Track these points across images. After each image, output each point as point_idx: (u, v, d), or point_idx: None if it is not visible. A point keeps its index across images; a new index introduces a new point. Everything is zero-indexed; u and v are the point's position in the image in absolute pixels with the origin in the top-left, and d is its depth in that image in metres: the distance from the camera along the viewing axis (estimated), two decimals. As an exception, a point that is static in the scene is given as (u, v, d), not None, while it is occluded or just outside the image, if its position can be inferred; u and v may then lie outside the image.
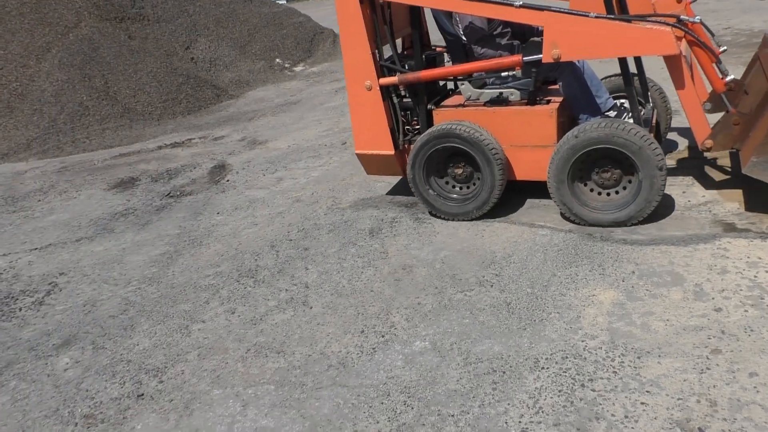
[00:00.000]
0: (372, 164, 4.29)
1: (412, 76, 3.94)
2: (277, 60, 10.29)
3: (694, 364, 2.40)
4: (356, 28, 3.86)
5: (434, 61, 4.29)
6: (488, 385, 2.46)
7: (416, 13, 4.02)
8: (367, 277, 3.45)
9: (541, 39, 3.48)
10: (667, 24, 3.30)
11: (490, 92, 3.92)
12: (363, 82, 3.97)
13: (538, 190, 4.02)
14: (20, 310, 3.64)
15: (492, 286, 3.16)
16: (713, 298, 2.78)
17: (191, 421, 2.51)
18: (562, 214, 3.75)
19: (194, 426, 2.48)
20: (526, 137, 3.79)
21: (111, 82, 8.06)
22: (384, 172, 4.37)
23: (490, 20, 3.94)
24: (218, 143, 6.66)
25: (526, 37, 4.23)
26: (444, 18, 4.02)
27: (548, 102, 3.83)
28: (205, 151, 6.45)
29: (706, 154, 4.32)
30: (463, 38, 4.04)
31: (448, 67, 3.99)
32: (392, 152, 4.09)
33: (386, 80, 3.98)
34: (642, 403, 2.25)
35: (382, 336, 2.89)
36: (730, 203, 3.63)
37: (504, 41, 4.05)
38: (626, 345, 2.57)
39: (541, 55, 3.49)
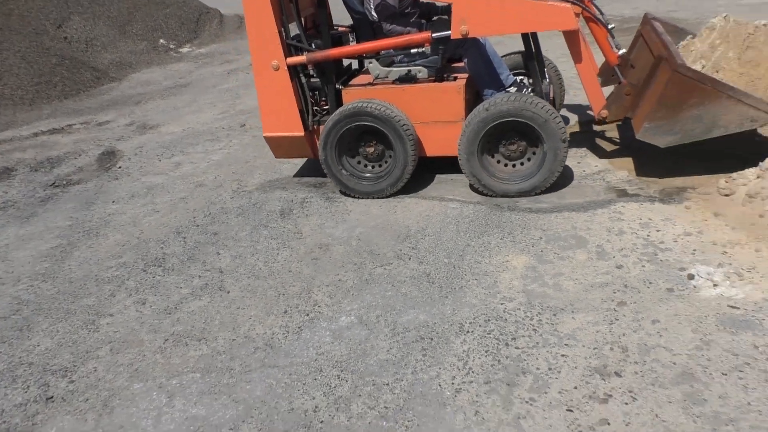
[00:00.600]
0: (281, 147, 4.19)
1: (320, 54, 3.88)
2: (161, 41, 9.75)
3: (603, 317, 2.59)
4: (262, 5, 3.73)
5: (339, 40, 4.25)
6: (418, 353, 2.52)
7: None
8: (283, 258, 3.39)
9: (448, 17, 3.56)
10: (567, 1, 3.50)
11: (398, 70, 3.95)
12: (270, 61, 3.85)
13: (444, 166, 4.13)
14: None
15: (410, 258, 3.23)
16: (614, 257, 3.01)
17: (112, 419, 2.36)
18: (471, 186, 3.88)
19: (117, 423, 2.33)
20: (435, 114, 3.86)
21: (-30, 65, 7.26)
22: (293, 155, 4.29)
23: None
24: (103, 129, 6.22)
25: (431, 17, 4.30)
26: None
27: (455, 79, 3.92)
28: (90, 137, 6.00)
29: (596, 127, 4.64)
30: (374, 15, 4.03)
31: (359, 45, 3.97)
32: (302, 134, 4.01)
33: (294, 59, 3.89)
34: (562, 356, 2.40)
35: (307, 315, 2.86)
36: (621, 171, 3.93)
37: (413, 20, 4.10)
38: (542, 304, 2.72)
39: (449, 32, 3.57)
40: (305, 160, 4.72)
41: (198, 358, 2.65)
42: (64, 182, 4.88)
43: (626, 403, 2.13)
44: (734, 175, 3.40)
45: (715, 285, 2.70)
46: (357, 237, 3.51)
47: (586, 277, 2.88)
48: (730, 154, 3.82)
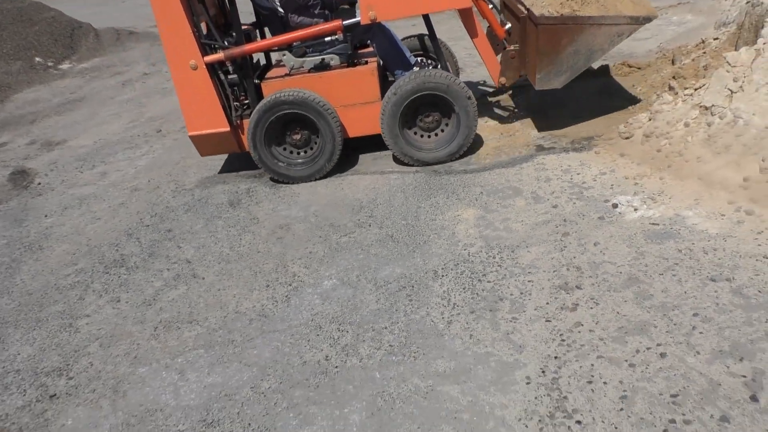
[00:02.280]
0: (207, 144, 4.25)
1: (237, 50, 4.00)
2: (37, 59, 9.19)
3: (553, 246, 3.00)
4: (173, 7, 3.76)
5: (249, 36, 4.38)
6: (404, 299, 2.78)
7: None
8: (247, 242, 3.52)
9: (352, 6, 3.84)
10: None
11: (312, 59, 4.15)
12: (187, 62, 3.91)
13: (373, 145, 4.40)
14: None
15: (370, 225, 3.48)
16: (548, 200, 3.44)
17: (128, 400, 2.42)
18: (405, 164, 4.19)
19: (135, 403, 2.40)
20: (353, 96, 4.11)
21: None
22: (220, 151, 4.37)
23: None
24: (2, 151, 5.87)
25: (333, 8, 4.54)
26: None
27: (366, 63, 4.20)
28: (-11, 161, 5.65)
29: (491, 99, 5.11)
30: (280, 10, 4.21)
31: (274, 38, 4.13)
32: (228, 129, 4.11)
33: (212, 57, 3.97)
34: (529, 281, 2.77)
35: (289, 285, 3.03)
36: (530, 129, 4.41)
37: (317, 11, 4.33)
38: (499, 245, 3.09)
39: (359, 18, 3.85)
40: (234, 154, 4.80)
41: (195, 337, 2.75)
42: (-22, 205, 4.62)
43: (591, 308, 2.53)
44: (630, 120, 3.96)
45: (635, 209, 3.20)
46: (313, 214, 3.70)
47: (529, 218, 3.28)
48: (619, 105, 4.44)
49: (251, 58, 4.38)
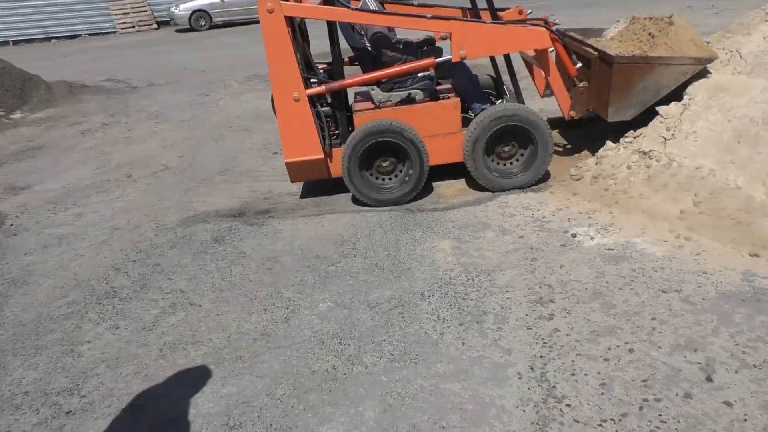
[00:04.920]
0: (300, 171, 4.53)
1: (337, 84, 4.37)
2: (-12, 108, 9.13)
3: (525, 269, 3.37)
4: (283, 44, 4.11)
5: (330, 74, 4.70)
6: (397, 316, 3.06)
7: (332, 28, 4.40)
8: (238, 273, 3.71)
9: (430, 48, 4.43)
10: (539, 25, 4.40)
11: (398, 94, 4.53)
12: (291, 94, 4.23)
13: (339, 185, 4.70)
14: None
15: (355, 256, 3.75)
16: (514, 231, 3.84)
17: (148, 412, 2.55)
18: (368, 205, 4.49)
19: (155, 414, 2.53)
20: (438, 128, 4.47)
21: None
22: (310, 177, 4.67)
23: (390, 29, 4.58)
24: (-38, 195, 5.81)
25: (413, 50, 4.92)
26: (351, 33, 4.57)
27: (449, 97, 4.59)
28: (-51, 206, 5.58)
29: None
30: (369, 47, 4.58)
31: (371, 73, 4.44)
32: (322, 156, 4.40)
33: (314, 90, 4.32)
34: (507, 298, 3.11)
35: (286, 308, 3.25)
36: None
37: (401, 47, 4.74)
38: (477, 269, 3.43)
39: (450, 57, 4.29)
40: (216, 195, 4.99)
41: (203, 356, 2.91)
42: (-52, 247, 4.59)
43: (565, 317, 2.89)
44: (579, 164, 4.48)
45: (591, 238, 3.64)
46: (299, 248, 3.95)
47: (500, 247, 3.66)
48: (566, 152, 4.97)
49: (345, 92, 4.71)
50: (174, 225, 4.54)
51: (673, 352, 2.54)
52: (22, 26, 20.50)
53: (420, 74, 4.54)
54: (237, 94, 9.22)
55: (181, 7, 19.48)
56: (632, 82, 4.32)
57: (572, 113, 4.73)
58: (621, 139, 4.48)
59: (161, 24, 21.54)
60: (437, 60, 4.43)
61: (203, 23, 19.50)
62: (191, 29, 19.43)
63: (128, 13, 21.46)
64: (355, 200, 4.54)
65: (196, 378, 2.74)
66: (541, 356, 2.62)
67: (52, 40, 20.71)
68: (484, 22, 4.37)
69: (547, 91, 4.84)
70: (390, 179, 4.54)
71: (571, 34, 5.06)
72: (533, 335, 2.77)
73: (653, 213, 3.77)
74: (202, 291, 3.53)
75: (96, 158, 6.56)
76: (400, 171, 4.52)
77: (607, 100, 4.41)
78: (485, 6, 4.82)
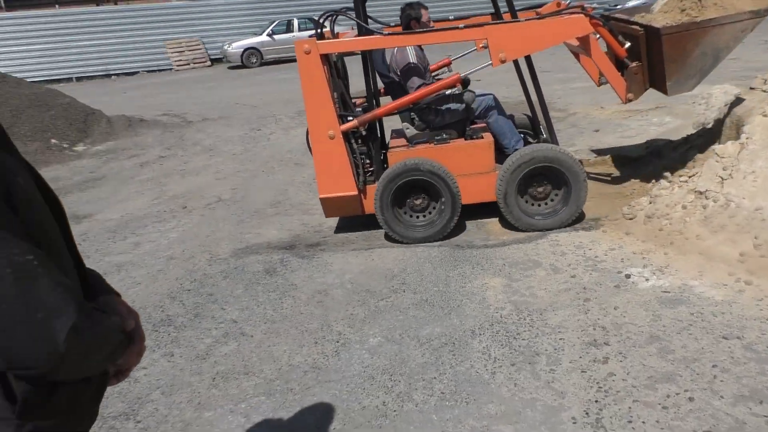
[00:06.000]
0: (334, 206, 4.62)
1: (369, 115, 4.44)
2: (53, 140, 9.59)
3: (578, 310, 3.31)
4: (319, 83, 4.24)
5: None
6: (448, 354, 3.04)
7: (366, 57, 4.52)
8: (289, 305, 3.76)
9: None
10: (577, 12, 4.31)
11: (433, 133, 4.61)
12: (326, 132, 4.34)
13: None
14: None
15: (404, 291, 3.77)
16: (566, 271, 3.79)
17: (201, 440, 2.59)
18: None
19: (208, 442, 2.57)
20: (471, 167, 4.49)
21: None
22: (344, 213, 4.75)
23: (419, 57, 4.63)
24: (28, 223, 6.10)
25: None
26: (382, 65, 4.68)
27: (482, 137, 4.60)
28: (16, 232, 5.86)
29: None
30: (397, 78, 4.66)
31: (400, 99, 4.49)
32: (356, 192, 4.49)
33: (346, 126, 4.39)
34: (560, 339, 3.06)
35: (337, 341, 3.27)
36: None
37: (428, 72, 4.80)
38: (528, 308, 3.39)
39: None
40: (268, 228, 5.11)
41: (255, 386, 2.94)
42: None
43: (620, 361, 2.82)
44: (632, 203, 4.41)
45: (647, 279, 3.56)
46: (349, 281, 3.99)
47: (552, 286, 3.61)
48: (618, 191, 4.91)
49: (382, 130, 4.83)
50: (227, 256, 4.65)
51: (737, 403, 2.44)
52: (85, 63, 21.62)
53: (449, 91, 4.52)
54: (287, 128, 9.46)
55: (234, 45, 20.23)
56: (686, 51, 4.12)
57: (630, 95, 4.51)
58: (676, 178, 4.41)
59: (214, 61, 22.37)
60: (462, 75, 4.42)
61: (254, 60, 20.17)
62: (243, 66, 20.12)
63: (183, 51, 22.40)
64: (388, 237, 4.57)
65: (247, 408, 2.77)
66: (596, 401, 2.56)
67: (112, 77, 21.73)
68: (519, 21, 4.31)
69: (603, 79, 4.59)
70: (424, 216, 4.55)
71: (617, 15, 4.89)
72: (588, 379, 2.71)
73: (711, 255, 3.67)
74: (253, 321, 3.60)
75: (153, 189, 6.81)
76: (434, 208, 4.52)
77: (663, 74, 4.22)
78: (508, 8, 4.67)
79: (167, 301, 3.98)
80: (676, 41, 4.09)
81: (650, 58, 4.37)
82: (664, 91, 4.39)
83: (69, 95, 11.26)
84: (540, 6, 4.93)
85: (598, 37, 4.40)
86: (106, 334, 1.17)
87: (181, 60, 22.25)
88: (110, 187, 7.10)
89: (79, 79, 21.46)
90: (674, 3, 4.60)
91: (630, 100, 4.57)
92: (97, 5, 24.34)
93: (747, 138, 4.08)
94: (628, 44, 4.40)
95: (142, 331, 1.37)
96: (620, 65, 4.48)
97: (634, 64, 4.43)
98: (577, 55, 5.12)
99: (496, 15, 4.83)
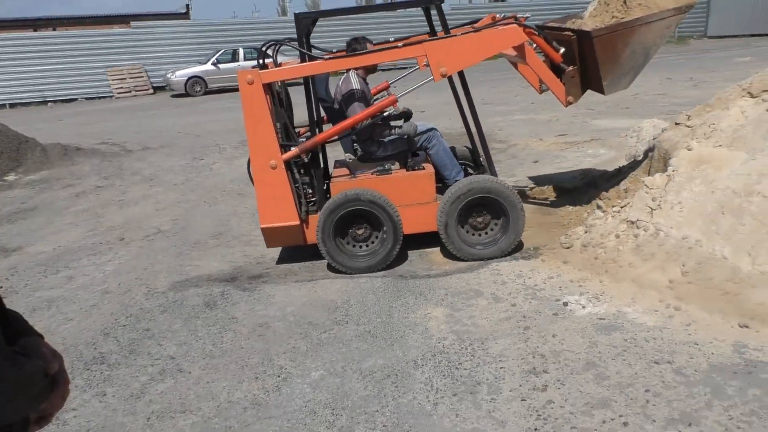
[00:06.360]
0: (276, 237, 4.57)
1: (310, 143, 4.44)
2: (-19, 170, 9.19)
3: (518, 338, 3.37)
4: (261, 113, 4.23)
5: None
6: (390, 386, 3.03)
7: (308, 84, 4.54)
8: (229, 339, 3.68)
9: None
10: (510, 23, 4.44)
11: (373, 165, 4.66)
12: (268, 162, 4.31)
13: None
14: None
15: (347, 323, 3.74)
16: (507, 299, 3.86)
17: (133, 485, 2.47)
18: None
19: (141, 487, 2.45)
20: (412, 197, 4.54)
21: None
22: (285, 243, 4.72)
23: (363, 88, 4.68)
24: (-49, 257, 5.78)
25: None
26: (324, 93, 4.75)
27: (423, 168, 4.68)
28: (-63, 267, 5.54)
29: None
30: (336, 106, 4.74)
31: (340, 123, 4.49)
32: (298, 222, 4.45)
33: (288, 155, 4.38)
34: (501, 368, 3.09)
35: (278, 376, 3.21)
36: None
37: (372, 101, 4.85)
38: (470, 338, 3.42)
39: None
40: (205, 260, 5.00)
41: (192, 425, 2.85)
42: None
43: (559, 388, 2.88)
44: (569, 232, 4.55)
45: (583, 307, 3.66)
46: (291, 314, 3.93)
47: (493, 315, 3.67)
48: (555, 221, 5.06)
49: (326, 160, 4.83)
50: (165, 289, 4.52)
51: (668, 426, 2.52)
52: (20, 89, 20.90)
53: (395, 135, 4.68)
54: (231, 158, 9.36)
55: (177, 73, 20.00)
56: (617, 51, 4.27)
57: (570, 98, 4.63)
58: (609, 208, 4.59)
59: (157, 89, 22.03)
60: (405, 108, 4.56)
61: (198, 89, 19.97)
62: (187, 94, 19.87)
63: (125, 78, 21.98)
64: (331, 267, 4.56)
65: (184, 449, 2.68)
66: (535, 429, 2.59)
67: (49, 104, 21.07)
68: (455, 36, 4.42)
69: (543, 86, 4.73)
70: (366, 246, 4.59)
71: (550, 24, 5.07)
72: (527, 407, 2.75)
73: (642, 282, 3.82)
74: (192, 357, 3.49)
75: (89, 220, 6.58)
76: (376, 238, 4.57)
77: (599, 75, 4.37)
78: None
79: (100, 338, 3.83)
80: (606, 42, 4.26)
81: (584, 61, 4.52)
82: (602, 91, 4.54)
83: (1, 123, 10.81)
84: (476, 21, 5.11)
85: (534, 46, 4.57)
86: (28, 379, 1.11)
87: (122, 87, 21.82)
88: (43, 218, 6.82)
89: (12, 105, 20.71)
90: (602, 8, 4.81)
91: (570, 103, 4.71)
92: (35, 30, 23.68)
93: (673, 170, 4.30)
94: (562, 50, 4.55)
95: (66, 374, 1.31)
96: (557, 70, 4.63)
97: (570, 68, 4.57)
98: (516, 65, 5.29)
99: (432, 33, 4.94)
